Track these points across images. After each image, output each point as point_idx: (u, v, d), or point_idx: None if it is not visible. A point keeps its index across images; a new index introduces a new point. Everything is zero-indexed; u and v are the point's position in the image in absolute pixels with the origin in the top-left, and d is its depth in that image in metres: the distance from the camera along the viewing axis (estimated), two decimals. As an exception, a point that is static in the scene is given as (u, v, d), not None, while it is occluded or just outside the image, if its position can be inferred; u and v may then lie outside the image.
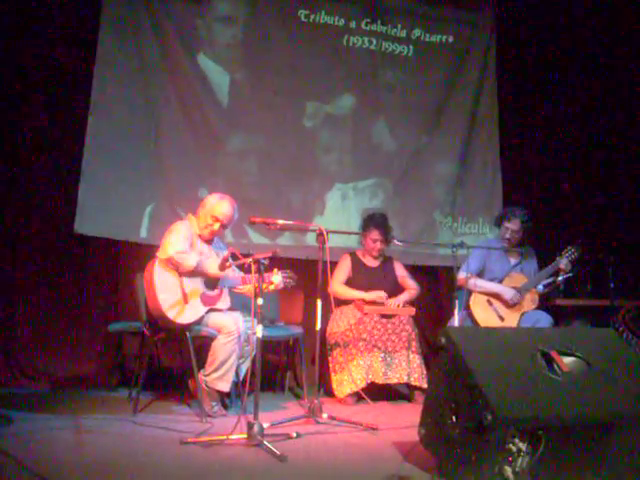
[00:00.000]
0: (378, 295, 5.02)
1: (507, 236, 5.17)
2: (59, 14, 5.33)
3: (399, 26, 6.33)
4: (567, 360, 3.04)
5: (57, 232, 5.29)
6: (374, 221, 5.22)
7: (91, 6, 5.38)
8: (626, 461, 2.88)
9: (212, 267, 4.25)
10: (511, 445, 2.71)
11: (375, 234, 5.20)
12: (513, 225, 5.14)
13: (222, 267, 4.09)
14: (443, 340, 3.08)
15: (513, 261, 5.25)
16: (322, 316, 4.30)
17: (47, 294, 5.26)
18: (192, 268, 4.18)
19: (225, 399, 4.40)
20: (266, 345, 5.03)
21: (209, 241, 4.51)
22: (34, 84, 5.29)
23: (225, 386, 4.23)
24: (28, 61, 5.27)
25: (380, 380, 4.79)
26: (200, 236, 4.46)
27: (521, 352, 3.03)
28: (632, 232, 6.36)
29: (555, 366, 2.99)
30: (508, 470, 2.72)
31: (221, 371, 4.19)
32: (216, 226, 4.43)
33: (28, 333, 5.19)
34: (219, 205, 4.44)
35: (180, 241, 4.24)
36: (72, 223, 5.20)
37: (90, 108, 5.31)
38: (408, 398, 4.97)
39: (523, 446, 2.73)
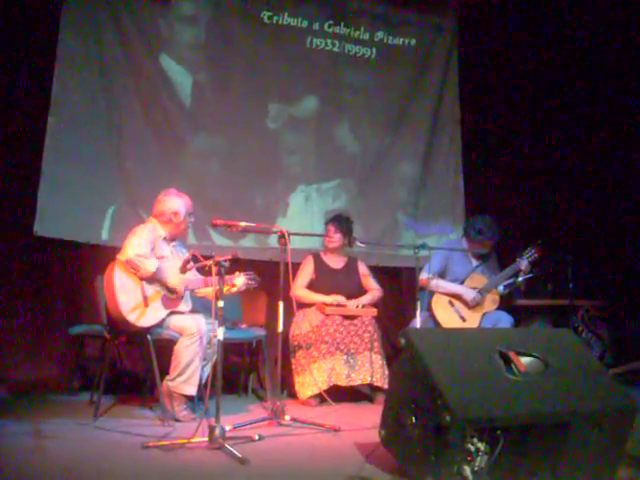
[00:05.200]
0: (335, 299, 5.05)
1: (477, 250, 5.24)
2: (19, 11, 5.24)
3: (362, 28, 6.37)
4: (525, 360, 3.08)
5: (16, 234, 5.18)
6: (329, 219, 5.41)
7: (51, 4, 5.31)
8: (581, 459, 2.94)
9: (172, 276, 4.22)
10: (470, 445, 2.74)
11: (330, 229, 5.32)
12: (487, 242, 5.24)
13: (183, 270, 4.07)
14: (403, 341, 3.11)
15: (475, 262, 5.32)
16: (284, 318, 4.29)
17: (6, 296, 5.15)
18: (150, 273, 4.15)
19: (189, 402, 4.38)
20: (229, 347, 5.00)
21: (174, 240, 4.51)
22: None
23: (191, 390, 4.19)
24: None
25: (343, 383, 4.80)
26: (165, 238, 4.45)
27: (479, 353, 3.06)
28: (591, 232, 6.47)
29: (513, 366, 3.03)
30: (467, 470, 2.74)
31: (186, 375, 4.17)
32: (192, 218, 4.52)
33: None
34: (186, 200, 4.50)
35: (142, 244, 4.21)
36: (32, 225, 5.13)
37: (50, 108, 5.25)
38: (371, 399, 4.99)
39: (481, 446, 2.76)
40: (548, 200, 6.59)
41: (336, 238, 5.27)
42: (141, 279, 4.18)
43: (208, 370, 4.28)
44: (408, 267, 5.81)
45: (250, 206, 5.87)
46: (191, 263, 4.06)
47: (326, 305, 5.00)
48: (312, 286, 5.22)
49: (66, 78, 5.33)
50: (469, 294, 5.08)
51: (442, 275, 5.21)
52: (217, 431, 3.44)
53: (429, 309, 5.10)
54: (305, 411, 4.56)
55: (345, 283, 5.26)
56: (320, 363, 4.82)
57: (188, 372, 4.17)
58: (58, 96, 5.29)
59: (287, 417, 4.09)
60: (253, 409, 4.69)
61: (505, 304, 5.32)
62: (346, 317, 4.99)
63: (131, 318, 4.08)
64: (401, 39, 6.46)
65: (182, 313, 4.32)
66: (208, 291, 4.39)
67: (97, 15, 5.49)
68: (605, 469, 3.04)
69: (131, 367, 5.26)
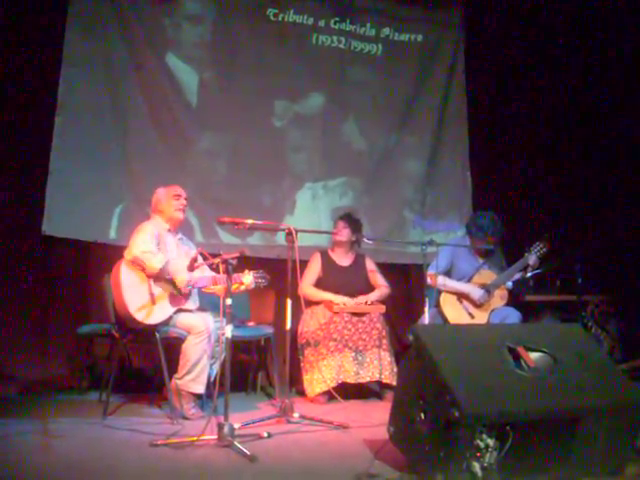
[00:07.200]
0: (343, 301, 5.03)
1: (480, 246, 5.22)
2: (26, 11, 5.26)
3: (368, 25, 6.36)
4: (534, 356, 3.07)
5: (25, 233, 5.21)
6: (339, 216, 5.41)
7: (58, 4, 5.33)
8: (590, 455, 2.92)
9: (179, 274, 4.22)
10: (479, 441, 2.73)
11: (339, 224, 5.32)
12: (490, 238, 5.20)
13: (191, 268, 4.07)
14: (411, 338, 3.10)
15: (480, 259, 5.30)
16: (292, 315, 4.28)
17: (14, 296, 5.16)
18: (157, 270, 4.16)
19: (197, 400, 4.38)
20: (237, 345, 5.02)
21: (176, 229, 4.56)
22: (0, 83, 5.22)
23: (199, 388, 4.20)
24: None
25: (352, 380, 4.80)
26: (169, 230, 4.49)
27: (488, 348, 3.05)
28: (600, 227, 6.44)
29: (522, 362, 3.02)
30: (476, 466, 2.73)
31: (194, 373, 4.18)
32: (182, 200, 4.54)
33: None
34: (169, 187, 4.57)
35: (146, 241, 4.22)
36: (40, 224, 5.16)
37: (57, 107, 5.29)
38: (379, 396, 4.99)
39: (491, 442, 2.75)
40: (557, 195, 6.56)
41: (344, 232, 5.27)
42: (148, 277, 4.19)
43: (216, 368, 4.28)
44: (416, 264, 5.79)
45: (257, 204, 5.87)
46: (199, 260, 4.07)
47: (334, 302, 4.99)
48: (320, 283, 5.22)
49: (72, 78, 5.36)
50: (476, 293, 5.05)
51: (449, 272, 5.19)
52: (226, 429, 3.44)
53: (437, 305, 5.08)
54: (314, 408, 4.56)
55: (353, 280, 5.25)
56: (328, 360, 4.81)
57: (196, 370, 4.18)
58: (65, 96, 5.32)
59: (296, 414, 4.08)
60: (262, 407, 4.70)
61: (513, 300, 5.30)
62: (354, 314, 4.97)
63: (139, 316, 4.08)
64: (407, 35, 6.45)
65: (189, 311, 4.32)
66: (216, 288, 4.39)
67: (103, 15, 5.52)
68: (614, 465, 3.02)
69: (139, 366, 5.26)
